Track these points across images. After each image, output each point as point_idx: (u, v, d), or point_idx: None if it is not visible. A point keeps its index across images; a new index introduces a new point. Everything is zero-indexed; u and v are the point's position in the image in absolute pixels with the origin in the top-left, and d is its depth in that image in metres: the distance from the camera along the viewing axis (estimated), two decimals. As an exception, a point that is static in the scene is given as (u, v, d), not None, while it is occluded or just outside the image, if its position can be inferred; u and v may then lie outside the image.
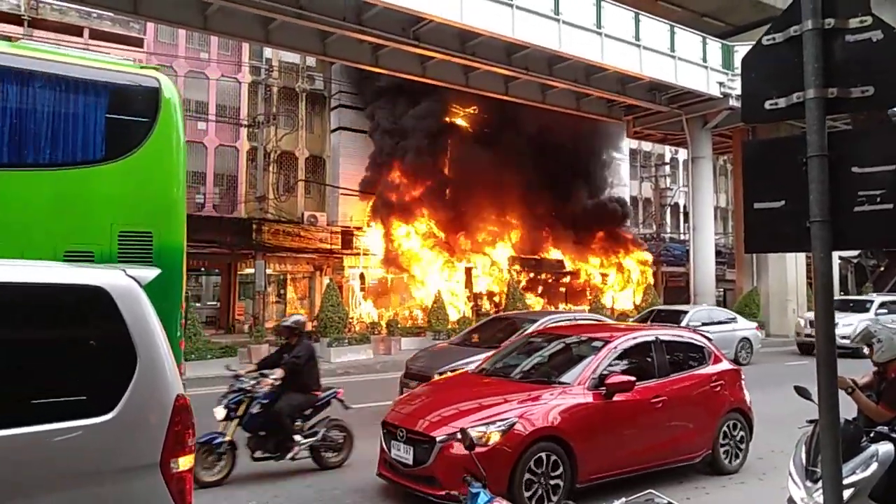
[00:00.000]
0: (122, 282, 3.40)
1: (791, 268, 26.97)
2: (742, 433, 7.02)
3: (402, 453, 5.56)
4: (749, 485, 6.64)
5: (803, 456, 4.57)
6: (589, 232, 31.21)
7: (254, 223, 25.11)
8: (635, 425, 6.12)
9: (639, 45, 21.27)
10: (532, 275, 28.44)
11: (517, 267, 27.79)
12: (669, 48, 22.18)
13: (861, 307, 19.28)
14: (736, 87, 23.28)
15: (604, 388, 5.84)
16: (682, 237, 38.01)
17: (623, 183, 36.72)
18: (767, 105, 3.14)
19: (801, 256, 26.24)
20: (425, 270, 26.53)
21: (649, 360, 6.54)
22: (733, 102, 23.37)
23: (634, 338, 6.69)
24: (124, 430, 3.21)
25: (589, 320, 10.88)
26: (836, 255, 30.84)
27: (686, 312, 16.14)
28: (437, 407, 5.80)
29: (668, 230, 39.81)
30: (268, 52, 26.43)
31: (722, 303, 30.49)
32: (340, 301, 18.43)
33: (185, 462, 3.36)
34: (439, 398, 6.09)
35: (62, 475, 3.07)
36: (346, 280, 26.82)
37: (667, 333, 7.20)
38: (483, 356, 8.71)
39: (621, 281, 31.77)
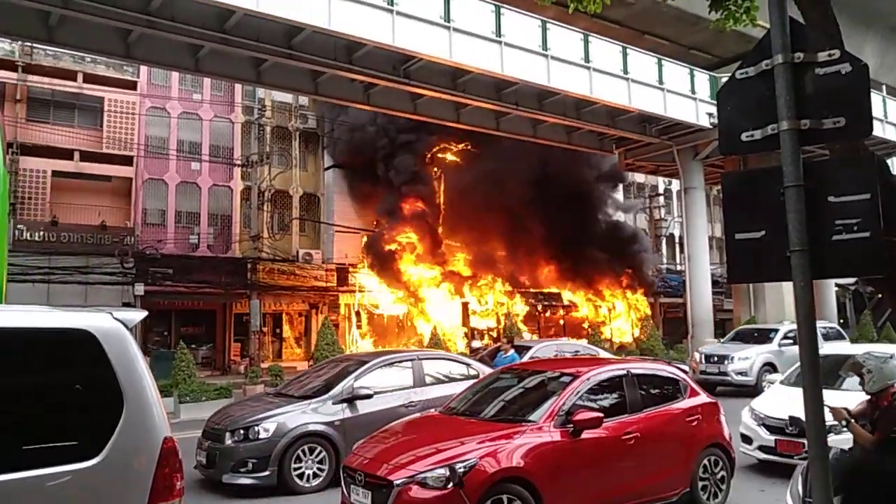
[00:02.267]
0: (109, 324, 3.42)
1: (788, 296, 26.92)
2: (722, 469, 6.78)
3: (361, 497, 5.42)
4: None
5: (800, 488, 4.54)
6: (589, 265, 31.20)
7: (248, 262, 25.09)
8: (606, 463, 5.93)
9: (627, 79, 21.57)
10: (529, 309, 28.38)
11: (514, 301, 27.75)
12: (658, 80, 22.51)
13: (764, 338, 17.36)
14: (723, 117, 23.55)
15: (571, 425, 5.66)
16: (678, 267, 38.07)
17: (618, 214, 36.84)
18: (744, 137, 3.22)
19: (798, 283, 26.18)
20: (424, 306, 26.47)
21: (621, 394, 6.36)
22: (722, 133, 23.58)
23: (604, 372, 6.50)
24: (111, 475, 3.20)
25: (431, 357, 9.92)
26: (832, 282, 30.93)
27: (530, 348, 13.89)
28: (398, 449, 5.65)
29: (665, 260, 39.90)
30: (260, 91, 26.74)
31: (721, 333, 30.38)
32: (336, 339, 18.35)
33: (173, 506, 3.35)
34: (402, 440, 5.94)
35: None
36: (342, 317, 26.73)
37: (639, 367, 7.06)
38: (287, 408, 7.91)
39: (624, 313, 31.64)
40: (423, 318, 26.24)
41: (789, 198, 2.97)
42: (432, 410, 7.17)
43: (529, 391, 6.64)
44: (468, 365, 9.52)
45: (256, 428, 7.65)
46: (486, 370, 9.35)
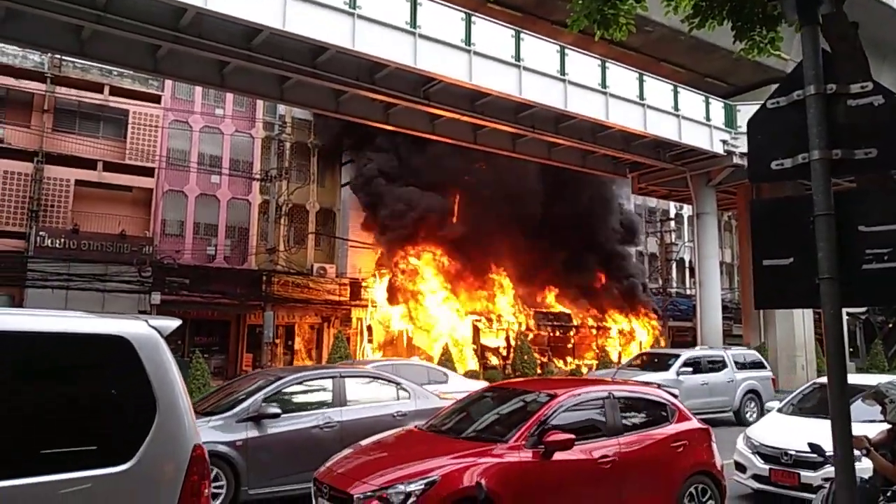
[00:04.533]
0: (144, 331, 3.47)
1: (799, 323, 26.77)
2: (711, 499, 6.52)
3: None
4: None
5: (821, 515, 4.54)
6: (598, 287, 31.25)
7: (264, 274, 25.32)
8: (579, 487, 5.81)
9: (643, 105, 21.72)
10: (539, 329, 28.30)
11: (523, 319, 27.70)
12: (673, 107, 22.65)
13: (663, 364, 15.66)
14: (739, 145, 23.67)
15: (543, 446, 5.58)
16: (688, 292, 37.92)
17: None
18: (774, 165, 3.25)
19: (809, 312, 26.07)
20: (434, 323, 26.47)
21: (601, 417, 6.25)
22: (737, 160, 23.71)
23: (584, 393, 6.41)
24: (141, 481, 3.23)
25: (356, 375, 8.94)
26: (843, 311, 30.46)
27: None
28: (368, 463, 5.67)
29: (675, 285, 39.76)
30: (281, 108, 27.09)
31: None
32: (348, 353, 18.42)
33: (201, 513, 3.39)
34: (375, 455, 5.94)
35: None
36: (354, 332, 26.81)
37: (624, 389, 6.90)
38: None
39: (629, 336, 31.55)
40: (428, 336, 26.17)
41: (819, 226, 3.01)
42: (413, 426, 7.08)
43: (508, 410, 6.56)
44: (398, 384, 8.89)
45: None
46: (419, 390, 8.99)
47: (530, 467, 5.52)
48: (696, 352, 16.74)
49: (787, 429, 7.99)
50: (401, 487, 5.04)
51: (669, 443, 6.46)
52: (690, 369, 15.23)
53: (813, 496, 6.83)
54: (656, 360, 16.41)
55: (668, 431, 6.54)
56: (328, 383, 8.23)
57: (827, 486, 4.64)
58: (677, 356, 15.77)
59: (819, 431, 6.59)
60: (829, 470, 6.80)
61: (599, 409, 6.28)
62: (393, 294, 26.50)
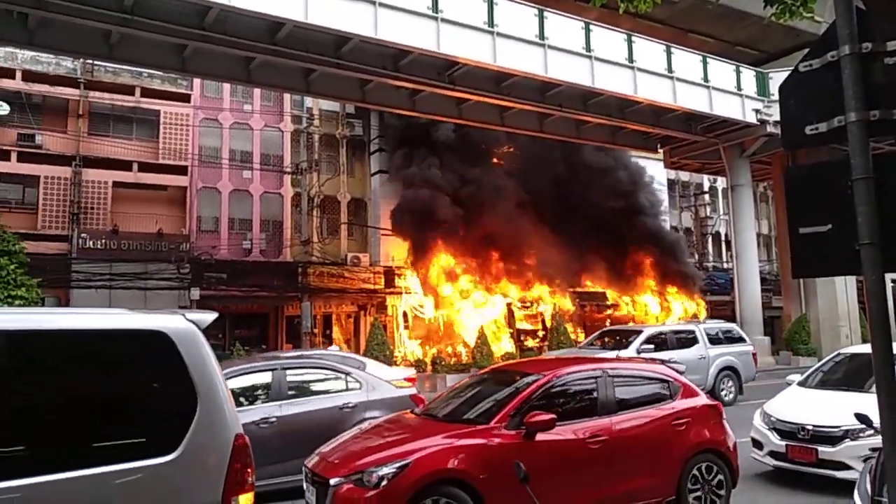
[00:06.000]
0: (182, 325, 3.56)
1: (841, 291, 26.16)
2: (719, 477, 6.24)
3: (309, 495, 5.59)
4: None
5: (868, 486, 4.45)
6: (633, 264, 30.94)
7: (299, 266, 25.68)
8: (566, 468, 5.65)
9: (672, 77, 21.35)
10: (574, 309, 28.16)
11: (558, 300, 27.57)
12: (703, 78, 22.21)
13: (624, 341, 14.65)
14: (772, 113, 23.12)
15: (524, 426, 5.48)
16: (725, 265, 37.32)
17: (663, 213, 36.36)
18: (808, 130, 3.15)
19: (852, 279, 25.45)
20: (468, 307, 26.51)
21: (592, 396, 6.08)
22: (770, 129, 23.19)
23: (575, 373, 6.26)
24: (186, 470, 3.32)
25: (298, 366, 8.44)
26: (888, 276, 29.47)
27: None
28: (354, 449, 5.69)
29: (711, 259, 39.16)
30: (308, 101, 27.30)
31: (770, 331, 29.58)
32: (386, 339, 18.61)
33: (244, 500, 3.47)
34: (359, 442, 5.92)
35: None
36: (390, 319, 27.03)
37: (619, 367, 6.64)
38: None
39: (665, 314, 31.19)
40: (461, 324, 26.17)
41: (858, 190, 2.91)
42: (407, 411, 6.98)
43: (499, 392, 6.36)
44: (347, 374, 8.38)
45: None
46: (371, 380, 8.61)
47: (511, 449, 5.41)
48: (661, 327, 15.95)
49: (805, 403, 7.76)
50: (373, 471, 5.12)
51: (670, 420, 6.24)
52: (653, 346, 14.13)
53: (830, 472, 6.76)
54: (618, 337, 15.47)
55: (669, 409, 6.33)
56: (266, 377, 7.86)
57: (874, 456, 4.53)
58: (639, 332, 14.88)
59: (839, 406, 6.40)
60: (848, 444, 6.70)
61: (592, 388, 6.13)
62: (428, 285, 26.50)
